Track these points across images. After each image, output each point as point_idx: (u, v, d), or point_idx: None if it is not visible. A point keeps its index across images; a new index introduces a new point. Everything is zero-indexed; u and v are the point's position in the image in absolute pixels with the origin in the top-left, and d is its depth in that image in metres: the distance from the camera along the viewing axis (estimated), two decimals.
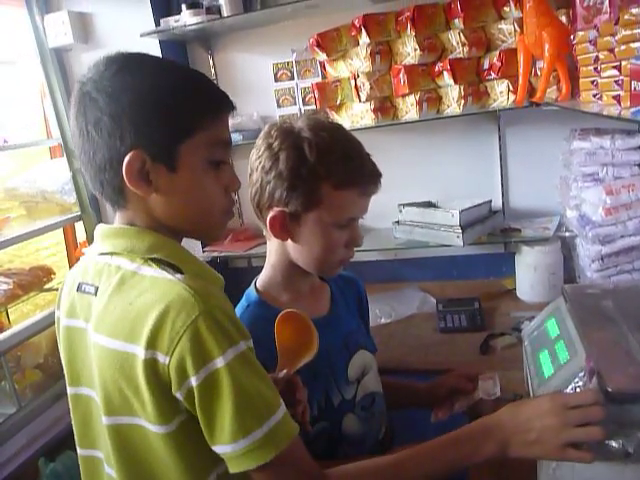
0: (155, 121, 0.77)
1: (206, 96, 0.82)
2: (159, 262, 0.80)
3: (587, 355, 0.89)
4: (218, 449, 0.75)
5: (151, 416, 0.75)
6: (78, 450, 0.92)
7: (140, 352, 0.73)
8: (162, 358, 0.72)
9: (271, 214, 1.02)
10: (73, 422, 0.92)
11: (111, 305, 0.79)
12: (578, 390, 0.85)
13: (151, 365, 0.73)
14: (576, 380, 0.87)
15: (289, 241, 1.05)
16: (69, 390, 0.90)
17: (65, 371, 0.90)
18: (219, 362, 0.72)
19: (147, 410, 0.75)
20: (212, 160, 0.82)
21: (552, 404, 0.82)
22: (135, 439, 0.79)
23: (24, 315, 2.21)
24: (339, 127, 1.08)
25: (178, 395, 0.74)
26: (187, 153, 0.79)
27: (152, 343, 0.72)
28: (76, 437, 0.92)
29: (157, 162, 0.78)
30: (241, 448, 0.73)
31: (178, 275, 0.77)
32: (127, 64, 0.79)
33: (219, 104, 0.84)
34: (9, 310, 2.11)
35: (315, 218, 1.00)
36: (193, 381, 0.72)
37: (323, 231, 1.02)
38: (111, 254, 0.83)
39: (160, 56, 0.84)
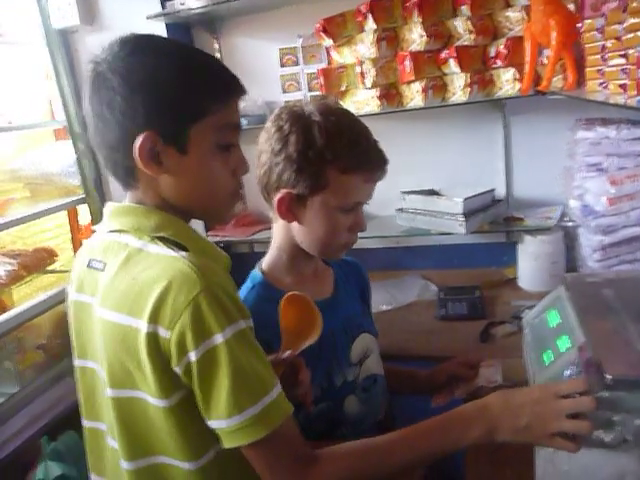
0: (167, 103, 0.79)
1: (218, 79, 0.83)
2: (165, 240, 0.81)
3: (581, 347, 0.90)
4: (213, 424, 0.76)
5: (152, 390, 0.77)
6: (83, 422, 0.94)
7: (143, 326, 0.74)
8: (163, 332, 0.74)
9: (278, 195, 1.03)
10: (79, 394, 0.94)
11: (117, 280, 0.80)
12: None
13: (153, 339, 0.74)
14: (569, 371, 0.87)
15: (294, 223, 1.06)
16: (76, 363, 0.92)
17: (73, 344, 0.92)
18: (218, 338, 0.73)
19: (148, 384, 0.77)
20: (222, 143, 0.84)
21: (544, 392, 0.83)
22: (137, 412, 0.81)
23: (27, 296, 2.22)
24: (348, 112, 1.10)
25: (177, 370, 0.75)
26: (197, 135, 0.81)
27: (154, 317, 0.74)
28: (82, 409, 0.94)
29: (168, 144, 0.80)
30: (235, 424, 0.74)
31: (182, 252, 0.79)
32: (141, 46, 0.81)
33: (230, 88, 0.85)
34: (12, 291, 2.12)
35: (321, 201, 1.02)
36: (192, 356, 0.73)
37: (328, 214, 1.03)
38: (119, 232, 0.85)
39: (173, 39, 0.84)
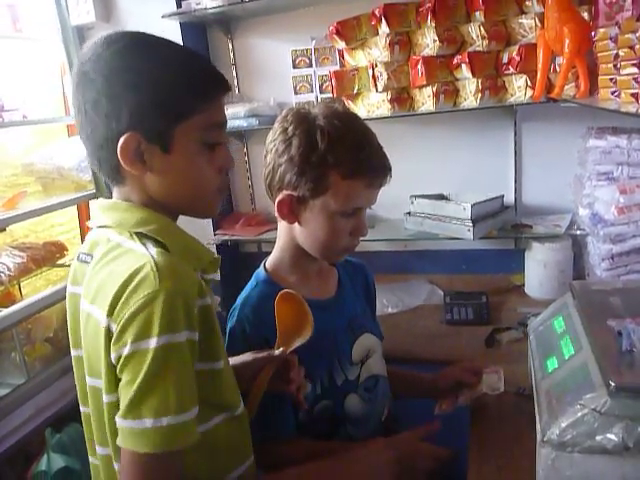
0: (151, 104, 0.80)
1: (202, 79, 0.84)
2: (143, 236, 0.82)
3: None
4: (116, 419, 0.76)
5: (104, 383, 0.78)
6: (80, 407, 0.96)
7: (103, 319, 0.76)
8: (113, 327, 0.75)
9: (279, 197, 1.04)
10: (76, 381, 0.96)
11: (95, 273, 0.82)
12: None
13: (108, 332, 0.76)
14: None
15: (296, 224, 1.07)
16: (72, 352, 0.95)
17: (69, 334, 0.95)
18: (152, 343, 0.72)
19: (102, 376, 0.78)
20: (207, 142, 0.85)
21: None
22: (100, 403, 0.82)
23: (36, 290, 2.24)
24: (354, 117, 1.09)
25: (113, 360, 0.76)
26: (182, 135, 0.82)
27: (110, 312, 0.75)
28: (78, 394, 0.96)
29: (152, 143, 0.81)
30: (126, 427, 0.73)
31: (152, 250, 0.79)
32: (125, 45, 0.81)
33: (215, 86, 0.86)
34: (22, 284, 2.14)
35: (321, 205, 1.02)
36: (124, 351, 0.74)
37: (328, 218, 1.03)
38: (106, 227, 0.86)
39: (159, 36, 0.85)
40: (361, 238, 1.11)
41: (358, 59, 2.07)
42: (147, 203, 0.86)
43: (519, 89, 1.87)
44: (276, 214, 1.09)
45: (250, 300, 1.09)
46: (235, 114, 2.17)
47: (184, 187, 0.86)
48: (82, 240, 2.53)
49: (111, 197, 0.91)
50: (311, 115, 1.03)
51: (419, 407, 1.22)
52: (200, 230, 2.40)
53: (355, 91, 2.07)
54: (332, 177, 1.00)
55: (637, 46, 1.15)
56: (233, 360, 1.00)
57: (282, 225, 1.12)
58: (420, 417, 1.12)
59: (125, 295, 0.74)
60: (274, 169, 1.04)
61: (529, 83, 1.83)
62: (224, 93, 0.87)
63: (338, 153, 0.99)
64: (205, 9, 2.06)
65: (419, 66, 1.90)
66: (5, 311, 1.85)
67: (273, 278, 1.12)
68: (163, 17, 2.12)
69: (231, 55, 2.36)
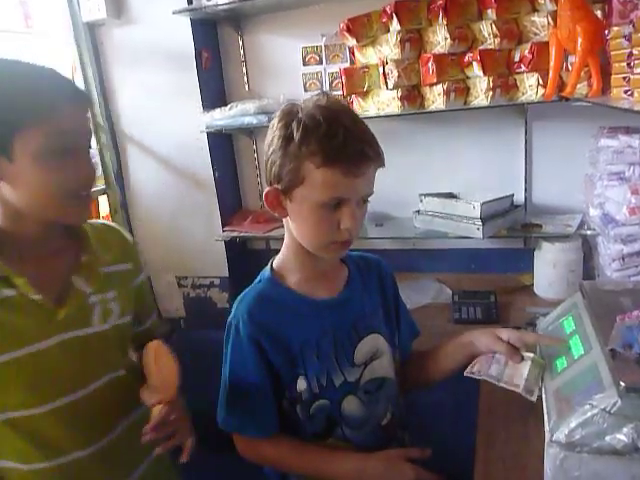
0: None
1: (36, 90, 0.90)
2: None
3: None
4: None
5: None
6: None
7: None
8: None
9: (266, 189, 1.05)
10: None
11: None
12: None
13: None
14: None
15: (289, 218, 1.06)
16: None
17: None
18: None
19: None
20: (52, 150, 0.90)
21: None
22: None
23: None
24: (336, 107, 1.03)
25: None
26: (21, 144, 0.88)
27: None
28: None
29: None
30: None
31: None
32: None
33: (52, 97, 0.91)
34: None
35: (301, 196, 1.01)
36: None
37: (309, 209, 1.01)
38: None
39: (8, 58, 0.93)
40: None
41: (368, 56, 2.06)
42: (10, 213, 0.94)
43: (530, 87, 1.86)
44: (266, 206, 1.08)
45: (247, 298, 1.09)
46: (244, 111, 2.17)
47: (34, 194, 0.92)
48: None
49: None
50: (295, 109, 1.02)
51: (423, 413, 1.20)
52: (209, 227, 2.42)
53: (365, 88, 2.07)
54: (306, 167, 0.98)
55: None
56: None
57: (285, 222, 1.11)
58: (426, 425, 1.11)
59: None
60: (265, 164, 1.06)
61: (541, 82, 1.82)
62: (67, 103, 0.92)
63: (310, 142, 0.97)
64: (216, 6, 2.07)
65: (430, 64, 1.89)
66: None
67: (276, 277, 1.11)
68: (174, 13, 2.12)
69: (241, 52, 2.36)
